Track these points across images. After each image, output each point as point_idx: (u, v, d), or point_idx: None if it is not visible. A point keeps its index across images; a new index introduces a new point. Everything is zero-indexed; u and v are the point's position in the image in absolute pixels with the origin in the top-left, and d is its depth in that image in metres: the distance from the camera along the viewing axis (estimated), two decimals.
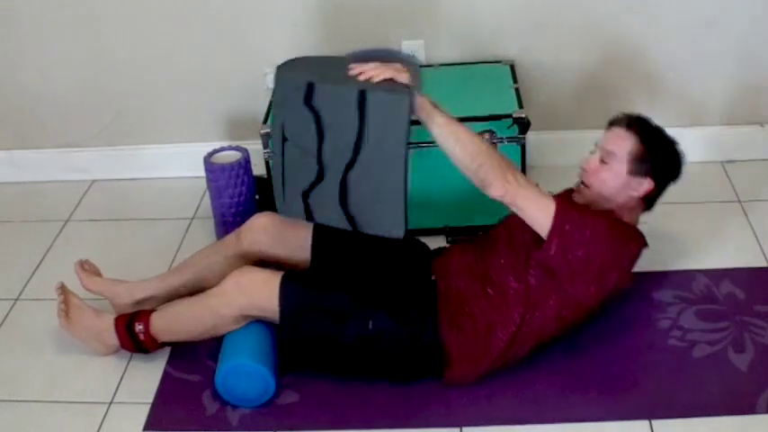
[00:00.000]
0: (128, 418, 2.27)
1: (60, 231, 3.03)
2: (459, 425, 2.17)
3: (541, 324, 2.21)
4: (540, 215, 2.14)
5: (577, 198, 2.33)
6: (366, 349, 2.19)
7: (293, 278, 2.25)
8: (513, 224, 2.27)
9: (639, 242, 2.28)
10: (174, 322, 2.34)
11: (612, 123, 2.34)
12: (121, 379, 2.38)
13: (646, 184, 2.26)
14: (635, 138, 2.27)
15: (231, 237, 2.51)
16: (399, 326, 2.18)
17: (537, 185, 2.18)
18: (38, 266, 2.86)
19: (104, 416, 2.28)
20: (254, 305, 2.23)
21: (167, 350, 2.42)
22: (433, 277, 2.32)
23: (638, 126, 2.29)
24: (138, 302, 2.47)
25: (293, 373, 2.31)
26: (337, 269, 2.39)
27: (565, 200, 2.25)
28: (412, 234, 2.46)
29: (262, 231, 2.44)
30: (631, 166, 2.25)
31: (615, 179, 2.26)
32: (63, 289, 2.46)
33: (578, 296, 2.20)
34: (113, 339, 2.38)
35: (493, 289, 2.23)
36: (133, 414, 2.27)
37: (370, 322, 2.18)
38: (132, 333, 2.35)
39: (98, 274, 2.58)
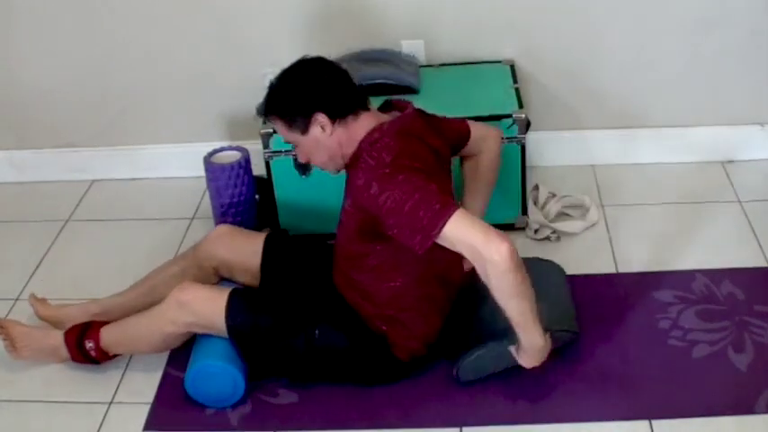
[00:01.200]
0: (128, 418, 2.27)
1: (60, 231, 3.03)
2: (460, 425, 2.17)
3: (420, 263, 2.16)
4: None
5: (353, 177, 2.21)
6: (321, 356, 2.23)
7: (238, 295, 2.26)
8: (344, 213, 2.25)
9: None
10: (122, 339, 2.36)
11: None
12: (121, 379, 2.38)
13: (321, 119, 2.14)
14: (272, 118, 2.20)
15: (189, 250, 2.53)
16: (340, 332, 2.22)
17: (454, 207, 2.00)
18: (38, 266, 2.86)
19: (104, 416, 2.28)
20: (200, 322, 2.25)
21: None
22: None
23: (265, 109, 2.22)
24: (94, 317, 2.46)
25: (262, 380, 2.31)
26: (284, 277, 2.42)
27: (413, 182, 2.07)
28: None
29: (218, 239, 2.46)
30: (297, 130, 2.17)
31: (314, 145, 2.18)
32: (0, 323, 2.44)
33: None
34: (67, 353, 2.39)
35: (362, 263, 2.22)
36: (133, 414, 2.28)
37: (316, 332, 2.21)
38: (83, 350, 2.36)
39: (45, 302, 2.56)
